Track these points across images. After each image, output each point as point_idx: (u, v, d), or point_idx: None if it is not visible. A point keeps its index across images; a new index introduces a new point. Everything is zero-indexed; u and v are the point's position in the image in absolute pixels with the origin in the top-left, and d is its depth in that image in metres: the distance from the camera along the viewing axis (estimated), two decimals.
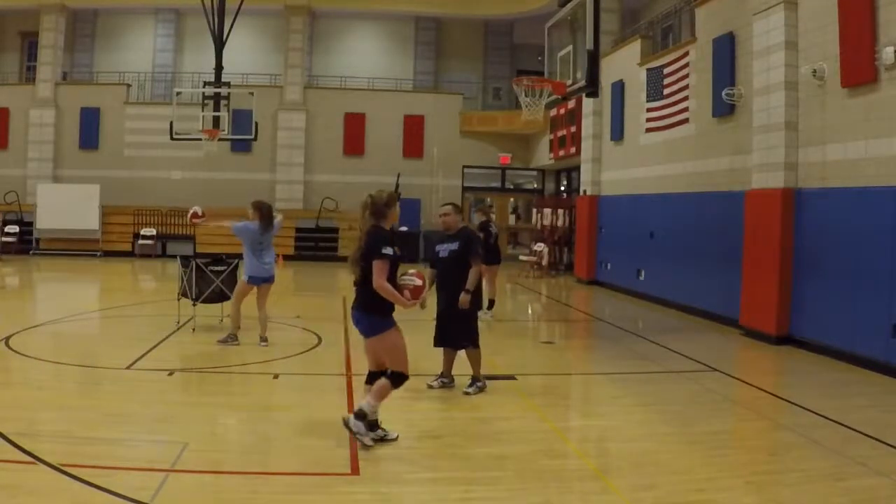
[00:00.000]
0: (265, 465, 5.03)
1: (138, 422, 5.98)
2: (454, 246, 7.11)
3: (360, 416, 5.29)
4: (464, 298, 6.97)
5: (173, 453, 5.04)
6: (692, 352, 9.40)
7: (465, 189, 24.54)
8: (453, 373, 7.33)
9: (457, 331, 7.18)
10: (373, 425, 5.41)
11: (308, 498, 4.49)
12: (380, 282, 5.22)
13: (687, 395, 7.28)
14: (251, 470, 4.93)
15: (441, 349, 7.36)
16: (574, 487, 4.93)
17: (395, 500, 4.55)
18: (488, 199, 25.20)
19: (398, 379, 5.43)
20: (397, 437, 5.52)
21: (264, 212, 9.01)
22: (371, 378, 5.59)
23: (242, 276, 9.17)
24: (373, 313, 5.37)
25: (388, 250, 5.23)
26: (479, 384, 7.16)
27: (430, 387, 7.20)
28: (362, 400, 5.45)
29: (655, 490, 4.73)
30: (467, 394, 7.04)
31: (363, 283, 5.37)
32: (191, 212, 9.78)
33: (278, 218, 9.34)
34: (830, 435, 5.95)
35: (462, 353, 7.31)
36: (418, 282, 5.48)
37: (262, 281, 9.10)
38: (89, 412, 6.10)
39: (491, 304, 11.96)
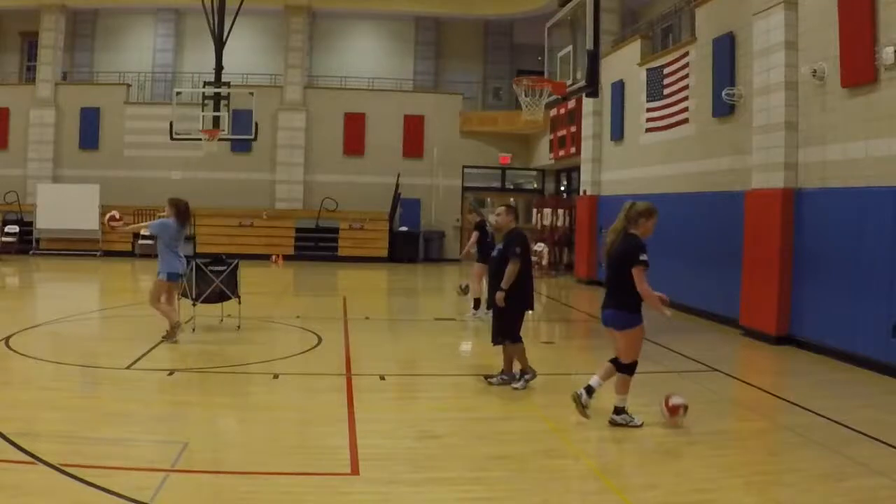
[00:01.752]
0: (265, 465, 5.02)
1: (138, 422, 5.98)
2: (501, 246, 7.36)
3: (619, 410, 5.99)
4: (499, 296, 7.15)
5: (173, 453, 5.04)
6: (692, 352, 9.40)
7: (465, 189, 24.54)
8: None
9: (496, 326, 7.38)
10: (619, 410, 6.06)
11: (308, 498, 4.49)
12: (642, 287, 5.77)
13: (687, 395, 7.25)
14: (251, 470, 4.93)
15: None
16: (574, 487, 4.93)
17: (395, 500, 4.54)
18: (488, 199, 25.21)
19: (630, 368, 6.00)
20: (641, 423, 6.06)
21: (181, 208, 9.08)
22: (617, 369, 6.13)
23: (158, 276, 9.11)
24: (624, 311, 5.92)
25: (645, 257, 5.75)
26: (526, 377, 7.27)
27: (490, 383, 7.37)
28: (615, 397, 6.07)
29: (655, 490, 4.73)
30: (516, 389, 7.17)
31: (614, 284, 5.97)
32: (108, 215, 9.88)
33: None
34: (830, 435, 5.95)
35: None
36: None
37: (179, 277, 9.16)
38: (89, 412, 6.10)
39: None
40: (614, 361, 6.11)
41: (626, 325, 5.95)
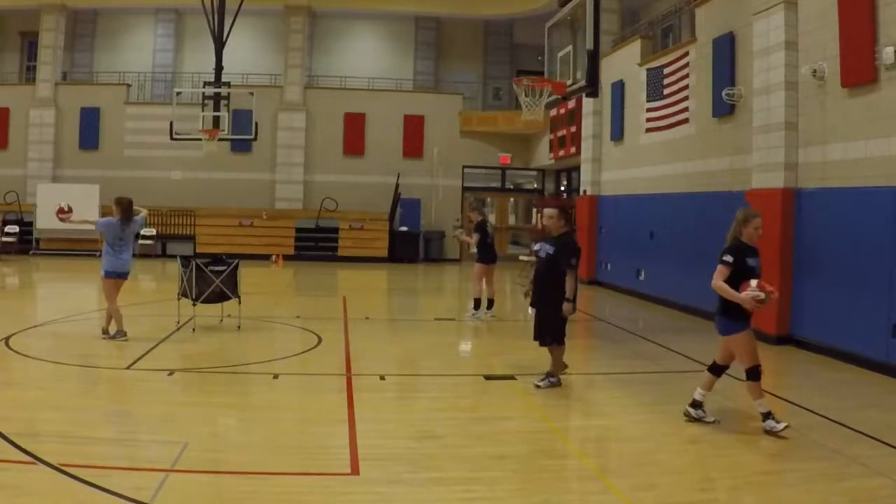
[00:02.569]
0: (265, 465, 5.03)
1: (138, 422, 5.99)
2: (550, 249, 7.37)
3: (765, 416, 5.92)
4: (567, 307, 7.23)
5: (173, 453, 5.04)
6: (692, 352, 9.39)
7: (465, 189, 24.54)
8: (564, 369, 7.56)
9: (541, 328, 7.44)
10: (765, 416, 6.00)
11: (308, 498, 4.49)
12: (716, 282, 5.99)
13: (687, 395, 7.24)
14: (251, 470, 4.93)
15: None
16: (574, 487, 4.93)
17: (395, 500, 4.55)
18: (488, 199, 25.21)
19: (752, 373, 6.01)
20: (714, 420, 6.19)
21: (124, 206, 9.10)
22: (712, 368, 6.29)
23: (100, 273, 9.15)
24: (725, 316, 6.07)
25: (728, 258, 5.99)
26: (551, 379, 7.34)
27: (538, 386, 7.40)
28: (698, 388, 6.22)
29: (655, 490, 4.73)
30: (538, 386, 7.24)
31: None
32: (58, 207, 9.90)
33: (142, 213, 9.41)
34: (830, 435, 5.95)
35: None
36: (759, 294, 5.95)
37: (118, 276, 9.15)
38: (89, 412, 6.10)
39: (490, 303, 12.00)
40: (711, 368, 6.27)
41: (725, 330, 6.11)
